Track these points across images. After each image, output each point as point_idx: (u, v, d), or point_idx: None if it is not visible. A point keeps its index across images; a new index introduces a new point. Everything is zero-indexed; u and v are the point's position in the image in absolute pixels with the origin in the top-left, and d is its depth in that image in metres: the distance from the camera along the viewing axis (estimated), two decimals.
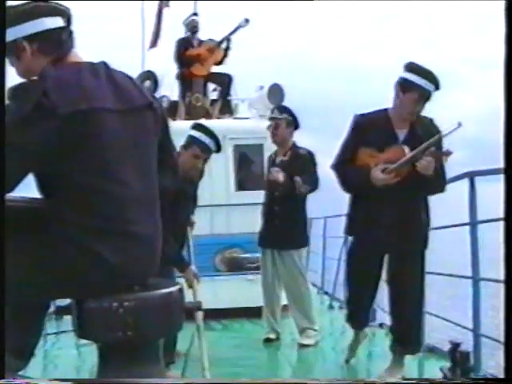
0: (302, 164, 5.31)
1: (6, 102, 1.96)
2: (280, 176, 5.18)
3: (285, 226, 5.30)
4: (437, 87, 3.85)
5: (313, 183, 5.29)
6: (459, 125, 3.72)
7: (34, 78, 2.05)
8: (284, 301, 5.56)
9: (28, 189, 2.15)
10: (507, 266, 1.95)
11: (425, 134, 3.87)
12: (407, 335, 4.08)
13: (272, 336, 5.41)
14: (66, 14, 2.15)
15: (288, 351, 5.20)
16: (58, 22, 2.12)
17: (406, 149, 3.86)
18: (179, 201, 4.22)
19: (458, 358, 3.65)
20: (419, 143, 3.80)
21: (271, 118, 5.47)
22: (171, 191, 2.55)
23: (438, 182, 3.92)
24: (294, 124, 5.40)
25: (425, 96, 3.85)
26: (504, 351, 1.97)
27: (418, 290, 4.04)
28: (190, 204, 4.66)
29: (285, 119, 5.36)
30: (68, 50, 2.14)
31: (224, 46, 7.69)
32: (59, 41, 2.11)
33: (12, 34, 2.07)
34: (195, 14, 7.94)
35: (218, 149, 4.44)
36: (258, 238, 5.56)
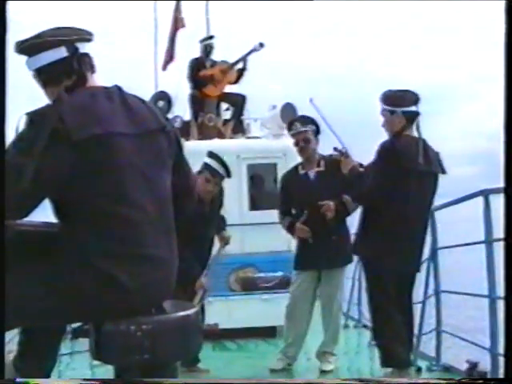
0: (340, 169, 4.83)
1: (23, 127, 1.98)
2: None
3: (343, 242, 5.01)
4: None
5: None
6: None
7: (49, 103, 2.07)
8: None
9: (43, 213, 2.16)
10: (507, 282, 1.99)
11: None
12: (386, 349, 4.23)
13: (280, 366, 5.04)
14: (72, 41, 2.14)
15: (303, 371, 5.15)
16: (61, 53, 2.12)
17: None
18: (196, 221, 4.44)
19: (475, 377, 3.61)
20: None
21: (297, 133, 5.06)
22: (188, 213, 2.55)
23: None
24: (318, 131, 5.07)
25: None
26: (504, 351, 1.97)
27: (388, 305, 4.17)
28: (209, 224, 5.05)
29: (311, 130, 5.04)
30: (81, 77, 2.15)
31: (240, 66, 7.69)
32: (66, 71, 2.13)
33: (27, 66, 2.16)
34: (211, 37, 7.99)
35: (228, 174, 5.00)
36: (302, 259, 5.05)
